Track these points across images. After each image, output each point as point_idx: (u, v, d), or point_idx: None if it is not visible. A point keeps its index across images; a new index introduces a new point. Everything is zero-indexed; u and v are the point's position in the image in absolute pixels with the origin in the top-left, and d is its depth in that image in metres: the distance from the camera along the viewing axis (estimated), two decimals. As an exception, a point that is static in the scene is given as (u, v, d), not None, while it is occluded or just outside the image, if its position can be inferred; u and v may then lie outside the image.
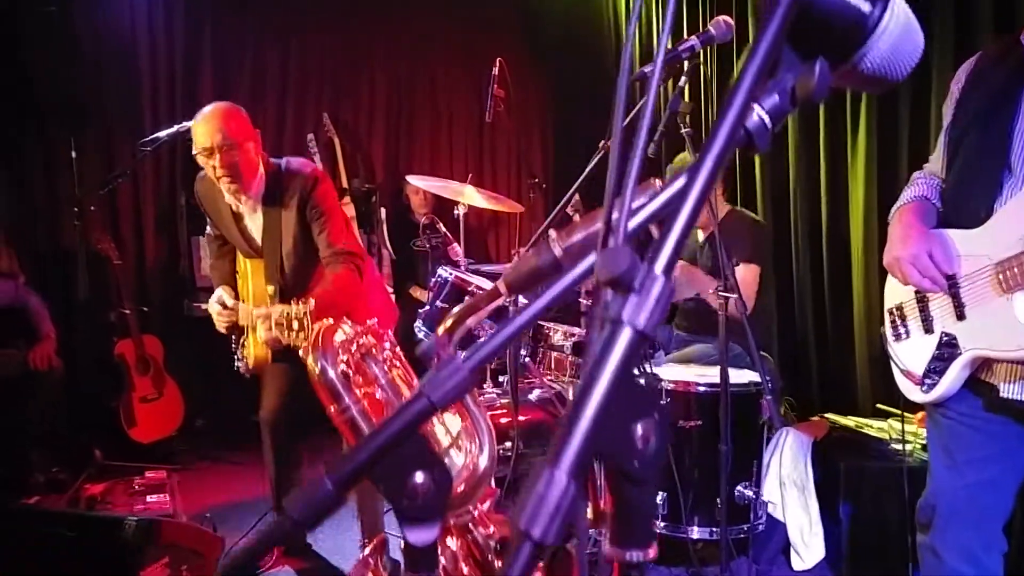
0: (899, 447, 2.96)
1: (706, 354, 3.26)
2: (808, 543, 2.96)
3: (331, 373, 0.84)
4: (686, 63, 1.94)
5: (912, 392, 1.92)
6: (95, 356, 4.56)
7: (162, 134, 3.92)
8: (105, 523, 2.36)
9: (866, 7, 0.58)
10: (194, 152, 2.64)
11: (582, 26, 5.99)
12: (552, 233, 0.77)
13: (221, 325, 2.75)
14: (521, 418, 2.77)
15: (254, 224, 2.77)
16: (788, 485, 2.99)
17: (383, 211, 5.30)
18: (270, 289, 2.71)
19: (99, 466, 3.92)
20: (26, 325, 4.00)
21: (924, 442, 2.85)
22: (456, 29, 5.82)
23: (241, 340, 2.85)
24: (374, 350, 0.86)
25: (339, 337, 0.83)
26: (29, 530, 2.36)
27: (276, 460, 3.01)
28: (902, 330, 1.94)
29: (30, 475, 3.82)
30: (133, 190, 4.85)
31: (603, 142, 2.09)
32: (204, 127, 2.59)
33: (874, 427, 3.16)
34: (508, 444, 2.66)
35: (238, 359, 2.92)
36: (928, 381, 1.86)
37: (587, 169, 2.12)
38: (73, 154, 4.52)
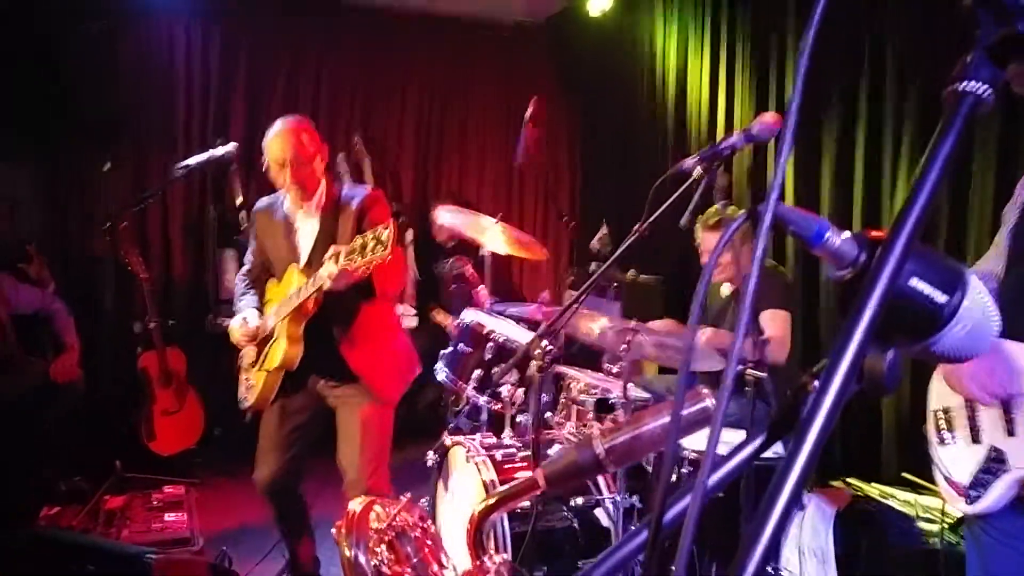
0: (924, 526, 2.91)
1: (730, 414, 3.21)
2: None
3: (363, 563, 0.82)
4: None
5: (956, 501, 1.85)
6: (118, 368, 4.64)
7: (192, 161, 3.96)
8: (126, 558, 2.38)
9: (942, 298, 0.56)
10: (265, 165, 2.76)
11: (615, 62, 5.95)
12: (595, 429, 0.75)
13: (242, 340, 2.84)
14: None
15: (306, 231, 2.83)
16: (808, 555, 2.95)
17: (410, 232, 5.31)
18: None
19: (119, 478, 3.95)
20: (52, 334, 4.06)
21: (951, 522, 2.80)
22: (489, 57, 5.85)
23: (258, 362, 2.84)
24: (407, 529, 0.84)
25: (375, 524, 0.81)
26: (51, 559, 2.39)
27: (281, 518, 3.03)
28: (947, 435, 1.88)
29: (49, 484, 3.85)
30: (162, 203, 4.95)
31: (638, 225, 2.04)
32: (279, 142, 2.71)
33: (899, 499, 3.10)
34: (527, 503, 2.64)
35: (242, 398, 2.94)
36: (973, 493, 1.80)
37: (619, 250, 2.08)
38: (107, 167, 4.57)
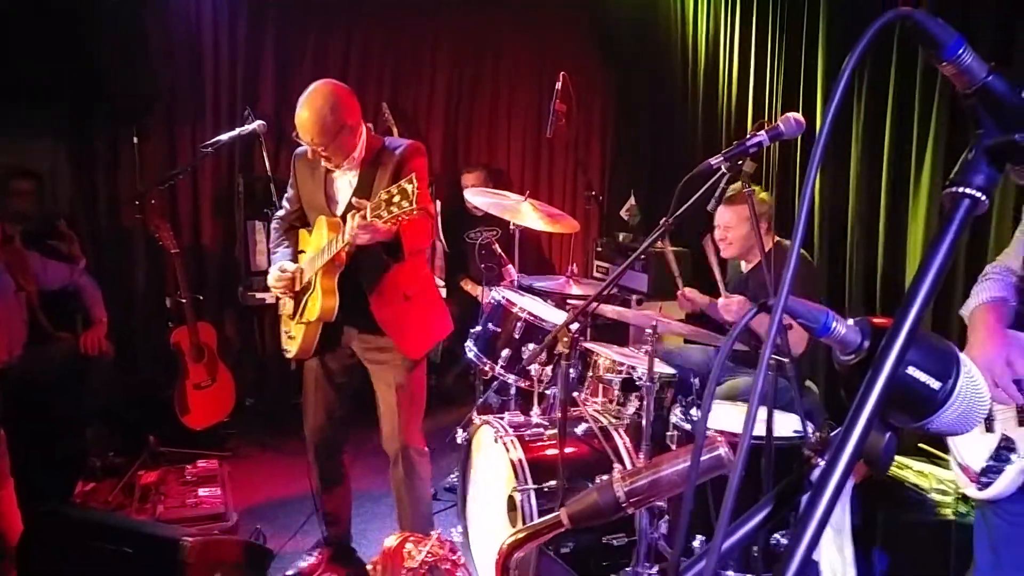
0: (938, 498, 2.98)
1: (749, 389, 3.25)
2: (842, 586, 2.98)
3: (399, 597, 0.88)
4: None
5: (967, 487, 1.92)
6: (151, 342, 4.71)
7: (223, 137, 4.02)
8: (162, 542, 2.48)
9: (936, 385, 0.60)
10: (295, 136, 2.74)
11: (649, 35, 5.90)
12: (616, 472, 0.80)
13: (278, 290, 2.88)
14: (568, 450, 2.82)
15: (345, 183, 2.84)
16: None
17: (438, 203, 5.33)
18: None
19: (153, 452, 4.04)
20: (81, 309, 4.10)
21: (963, 492, 2.86)
22: (522, 27, 5.77)
23: (297, 314, 2.90)
24: (439, 562, 0.90)
25: (408, 563, 0.87)
26: (85, 539, 2.48)
27: (323, 478, 3.11)
28: None
29: (84, 460, 3.93)
30: (191, 177, 4.93)
31: (664, 219, 2.08)
32: (306, 123, 2.66)
33: (914, 470, 3.15)
34: (553, 483, 2.72)
35: (285, 348, 3.01)
36: (984, 479, 1.86)
37: (646, 243, 2.11)
38: (135, 140, 4.61)
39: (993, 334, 1.80)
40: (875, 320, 0.64)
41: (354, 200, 2.55)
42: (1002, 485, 1.81)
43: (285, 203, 3.07)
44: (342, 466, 3.16)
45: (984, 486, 1.85)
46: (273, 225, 3.11)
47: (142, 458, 3.98)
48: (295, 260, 2.95)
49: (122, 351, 4.28)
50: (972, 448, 1.89)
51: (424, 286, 2.99)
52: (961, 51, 0.61)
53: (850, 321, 0.66)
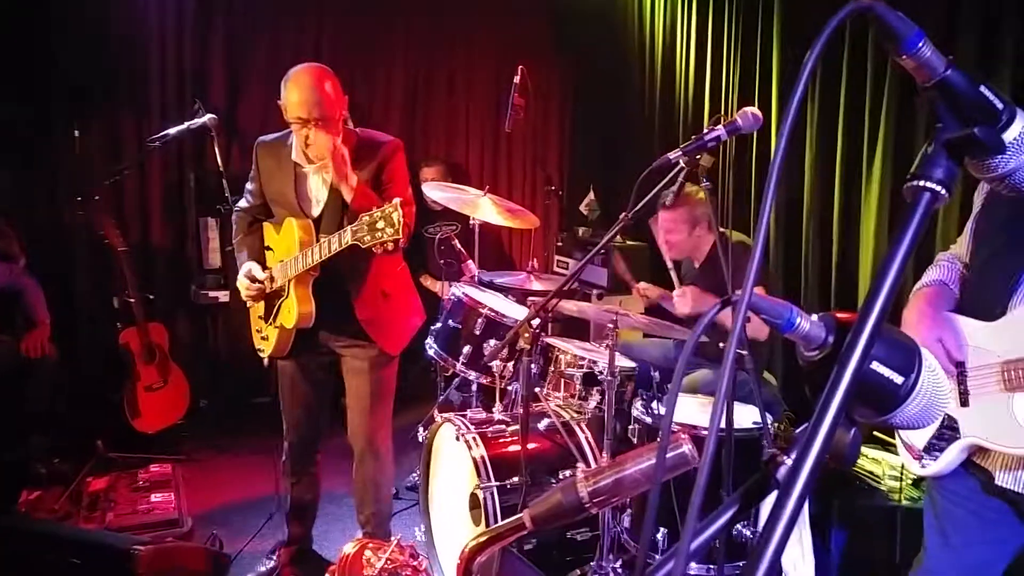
0: (891, 484, 3.05)
1: (709, 382, 3.29)
2: (800, 569, 3.03)
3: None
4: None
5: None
6: (99, 345, 4.55)
7: (171, 131, 3.91)
8: (113, 551, 2.40)
9: (899, 380, 0.60)
10: (286, 117, 2.63)
11: (606, 29, 5.91)
12: (579, 472, 0.79)
13: (249, 298, 2.83)
14: (530, 446, 2.81)
15: (319, 181, 2.75)
16: (784, 516, 3.06)
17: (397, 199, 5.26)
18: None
19: (102, 458, 3.91)
20: (22, 310, 3.96)
21: (913, 478, 2.95)
22: (479, 20, 5.73)
23: (270, 318, 2.86)
24: (399, 568, 0.88)
25: (367, 571, 0.85)
26: (30, 552, 2.39)
27: (295, 474, 3.06)
28: None
29: (29, 466, 3.80)
30: (139, 171, 4.77)
31: (624, 215, 2.08)
32: (301, 96, 2.57)
33: (868, 457, 3.22)
34: (516, 479, 2.71)
35: (258, 348, 2.97)
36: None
37: (605, 239, 2.11)
38: (76, 133, 4.45)
39: (923, 316, 1.86)
40: (839, 315, 0.64)
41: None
42: (943, 463, 1.87)
43: (247, 195, 2.97)
44: (315, 464, 3.12)
45: (927, 463, 1.91)
46: (234, 218, 3.01)
47: (90, 464, 3.85)
48: (260, 257, 2.88)
49: (67, 354, 4.12)
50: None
51: (401, 279, 2.98)
52: (921, 44, 0.61)
53: (814, 317, 0.65)
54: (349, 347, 2.88)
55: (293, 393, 2.97)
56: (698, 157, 1.94)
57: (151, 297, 4.56)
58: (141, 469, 3.78)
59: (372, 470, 2.93)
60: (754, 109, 1.95)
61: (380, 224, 2.31)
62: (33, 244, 4.33)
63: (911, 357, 0.61)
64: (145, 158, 4.59)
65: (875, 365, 0.60)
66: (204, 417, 4.74)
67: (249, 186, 2.95)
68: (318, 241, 2.62)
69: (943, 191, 0.58)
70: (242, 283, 2.81)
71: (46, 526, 2.82)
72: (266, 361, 2.95)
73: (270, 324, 2.84)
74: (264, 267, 2.85)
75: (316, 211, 2.74)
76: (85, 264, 4.67)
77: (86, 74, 4.56)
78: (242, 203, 2.99)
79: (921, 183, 0.58)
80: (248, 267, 2.81)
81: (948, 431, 1.85)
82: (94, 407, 4.33)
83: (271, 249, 2.88)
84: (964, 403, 1.81)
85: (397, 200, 2.32)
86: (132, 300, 4.20)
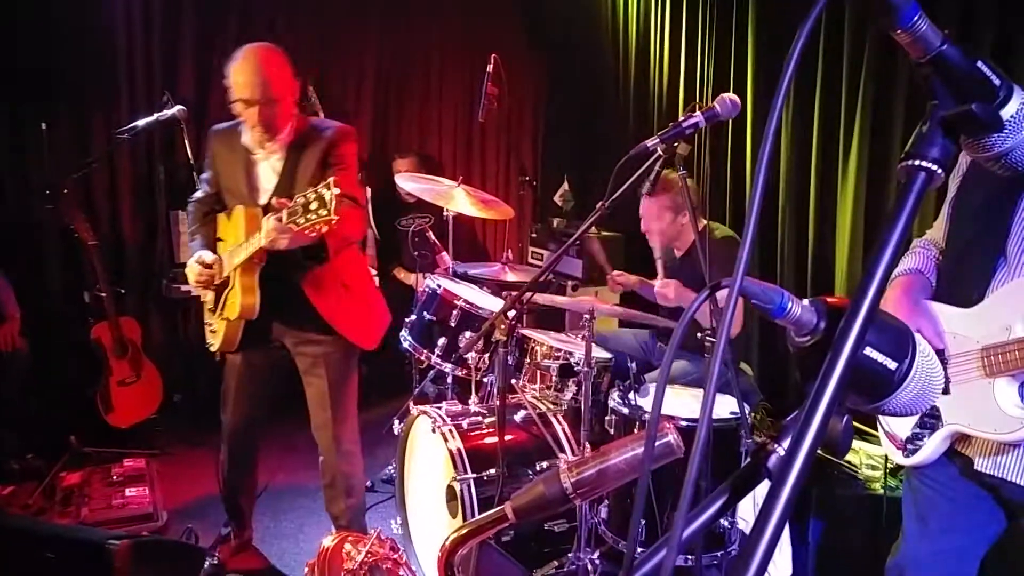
0: (868, 473, 3.08)
1: (686, 372, 3.29)
2: (776, 562, 3.05)
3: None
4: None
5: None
6: (70, 340, 4.47)
7: (140, 123, 3.84)
8: (88, 545, 2.35)
9: (892, 365, 0.59)
10: (232, 99, 2.57)
11: (580, 18, 5.89)
12: (562, 463, 0.77)
13: (198, 285, 2.76)
14: (507, 438, 2.79)
15: (268, 169, 2.70)
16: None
17: (368, 190, 5.22)
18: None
19: (76, 453, 3.86)
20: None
21: (892, 467, 2.97)
22: (452, 8, 5.68)
23: (217, 308, 2.81)
24: (379, 562, 0.86)
25: (347, 564, 0.82)
26: (4, 547, 2.35)
27: (231, 467, 3.06)
28: None
29: (2, 461, 3.76)
30: (108, 164, 4.69)
31: (600, 203, 2.06)
32: (247, 77, 2.51)
33: (847, 447, 3.24)
34: (493, 471, 2.69)
35: (208, 342, 2.92)
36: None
37: (581, 229, 2.09)
38: (44, 126, 4.32)
39: (900, 305, 1.85)
40: (830, 300, 0.62)
41: (274, 201, 2.42)
42: (927, 452, 1.87)
43: (203, 184, 2.91)
44: (253, 461, 3.12)
45: (910, 453, 1.91)
46: (189, 208, 2.95)
47: (64, 459, 3.80)
48: (213, 247, 2.81)
49: (39, 349, 4.07)
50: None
51: (361, 274, 2.93)
52: (916, 18, 0.59)
53: (805, 301, 0.64)
54: (305, 343, 2.81)
55: (237, 391, 2.93)
56: (675, 144, 1.92)
57: (122, 291, 4.50)
58: (115, 464, 3.75)
59: (341, 465, 2.89)
60: (732, 95, 1.94)
61: (314, 205, 2.22)
62: (2, 238, 4.28)
63: (905, 342, 0.60)
64: (114, 151, 4.51)
65: (868, 351, 0.58)
66: (178, 411, 4.68)
67: (204, 175, 2.91)
68: None
69: (939, 170, 0.57)
70: (192, 269, 2.73)
71: (20, 521, 2.76)
72: (217, 356, 2.91)
73: (217, 315, 2.78)
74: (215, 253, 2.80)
75: (264, 199, 2.68)
76: (55, 258, 4.59)
77: (54, 66, 4.46)
78: (198, 193, 2.94)
79: (916, 162, 0.57)
80: (199, 254, 2.74)
81: (930, 419, 1.86)
82: (67, 402, 4.27)
83: (222, 240, 2.83)
84: (946, 391, 1.81)
85: (331, 179, 2.23)
86: (103, 295, 4.13)
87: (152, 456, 3.99)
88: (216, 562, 3.06)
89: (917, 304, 1.86)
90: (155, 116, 3.92)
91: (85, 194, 4.66)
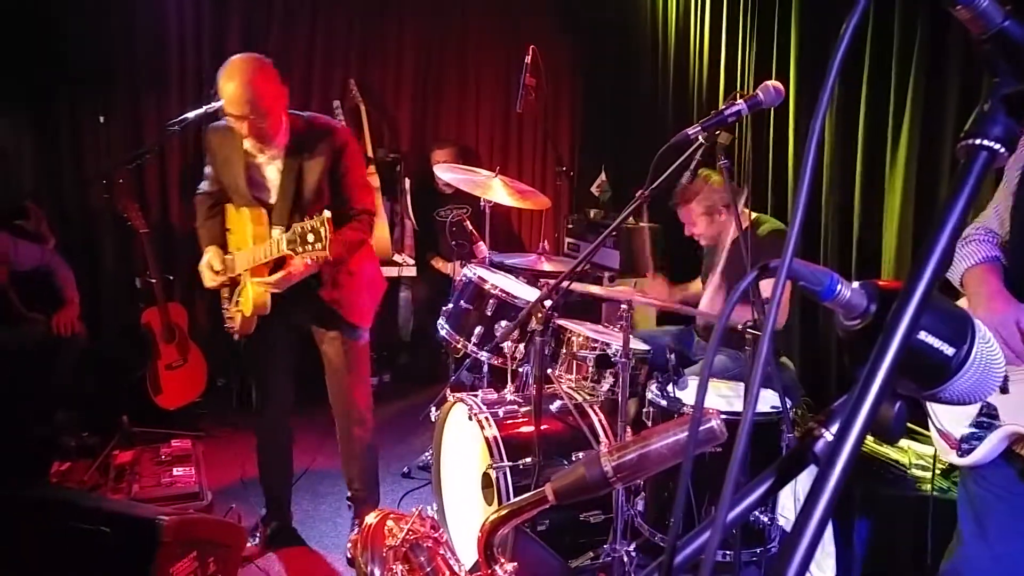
0: (917, 473, 2.98)
1: (726, 368, 3.25)
2: (820, 564, 3.00)
3: (380, 578, 0.84)
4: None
5: (948, 454, 1.91)
6: (122, 323, 4.64)
7: (190, 115, 3.90)
8: (139, 521, 2.43)
9: (950, 351, 0.57)
10: (223, 113, 2.66)
11: (616, 7, 5.84)
12: (603, 447, 0.77)
13: (211, 284, 2.90)
14: (543, 427, 2.79)
15: (269, 171, 2.79)
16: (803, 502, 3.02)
17: (407, 181, 5.26)
18: (275, 232, 2.70)
19: (127, 432, 3.97)
20: (52, 290, 4.05)
21: (943, 467, 2.87)
22: (490, 3, 5.71)
23: (233, 300, 2.94)
24: (420, 539, 0.87)
25: (389, 540, 0.83)
26: (62, 520, 2.43)
27: (265, 451, 3.22)
28: None
29: (58, 440, 3.89)
30: (159, 155, 4.85)
31: (641, 191, 2.04)
32: (234, 92, 2.58)
33: (893, 445, 3.15)
34: (528, 460, 2.69)
35: (228, 328, 3.04)
36: (965, 446, 1.85)
37: (620, 217, 2.08)
38: (101, 119, 4.52)
39: (997, 295, 1.75)
40: (881, 283, 0.61)
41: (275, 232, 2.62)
42: (983, 452, 1.81)
43: (206, 179, 3.01)
44: (288, 445, 3.25)
45: (965, 453, 1.85)
46: (196, 200, 3.06)
47: (116, 438, 3.91)
48: (221, 239, 2.94)
49: (92, 332, 4.22)
50: (952, 414, 1.88)
51: (363, 255, 3.01)
52: (977, -8, 0.57)
53: (855, 284, 0.62)
54: (318, 322, 2.97)
55: (267, 362, 3.08)
56: (717, 133, 1.90)
57: (171, 278, 4.64)
58: (163, 444, 3.84)
59: (353, 429, 3.05)
60: (776, 83, 1.90)
61: (310, 237, 2.41)
62: (60, 227, 4.46)
63: (963, 327, 0.58)
64: (165, 142, 4.64)
65: (923, 335, 0.57)
66: (221, 395, 4.81)
67: (206, 170, 2.99)
68: (271, 227, 2.71)
69: (1002, 149, 0.55)
70: (206, 275, 2.89)
71: (77, 496, 2.87)
72: (236, 336, 3.01)
73: (232, 306, 2.93)
74: (226, 250, 2.93)
75: (268, 199, 2.79)
76: (109, 246, 4.77)
77: (111, 63, 4.65)
78: (203, 186, 3.03)
79: (977, 141, 0.55)
80: (207, 257, 2.89)
81: (987, 419, 1.79)
82: (118, 384, 4.42)
83: (230, 230, 2.95)
84: (1004, 390, 1.74)
85: (327, 214, 2.40)
86: (153, 281, 4.28)
87: (197, 438, 4.08)
88: (257, 543, 3.14)
89: (1011, 296, 1.74)
90: (203, 108, 3.98)
91: (138, 183, 4.81)
